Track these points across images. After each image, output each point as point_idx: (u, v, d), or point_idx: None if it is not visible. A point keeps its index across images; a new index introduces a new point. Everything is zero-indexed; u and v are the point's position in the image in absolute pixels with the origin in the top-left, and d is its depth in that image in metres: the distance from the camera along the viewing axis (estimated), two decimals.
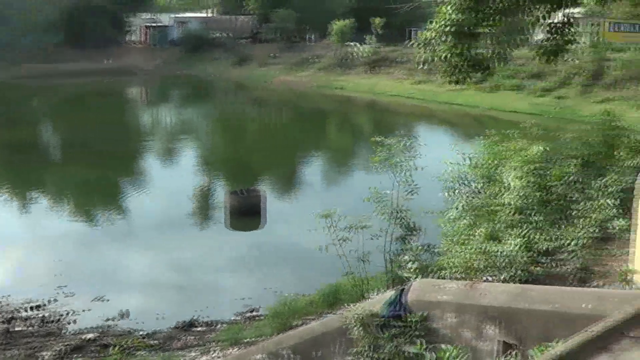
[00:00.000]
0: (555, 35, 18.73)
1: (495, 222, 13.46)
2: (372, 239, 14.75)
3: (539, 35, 19.88)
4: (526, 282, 11.30)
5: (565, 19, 19.11)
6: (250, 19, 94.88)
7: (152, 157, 41.07)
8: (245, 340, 15.21)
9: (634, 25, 72.06)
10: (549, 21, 18.66)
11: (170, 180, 34.34)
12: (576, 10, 32.27)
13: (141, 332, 16.81)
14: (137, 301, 18.66)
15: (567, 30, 18.81)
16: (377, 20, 77.20)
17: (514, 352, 9.52)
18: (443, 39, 16.96)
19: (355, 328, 10.92)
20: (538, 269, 11.77)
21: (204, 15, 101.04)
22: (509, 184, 14.10)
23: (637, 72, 56.55)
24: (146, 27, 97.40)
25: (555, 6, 18.08)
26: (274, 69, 78.90)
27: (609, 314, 8.77)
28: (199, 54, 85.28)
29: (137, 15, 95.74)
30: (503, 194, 13.96)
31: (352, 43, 76.57)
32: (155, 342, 16.27)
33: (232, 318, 17.64)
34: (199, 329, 17.09)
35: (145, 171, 36.63)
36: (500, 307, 10.12)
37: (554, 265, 11.90)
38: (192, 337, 16.47)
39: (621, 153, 16.22)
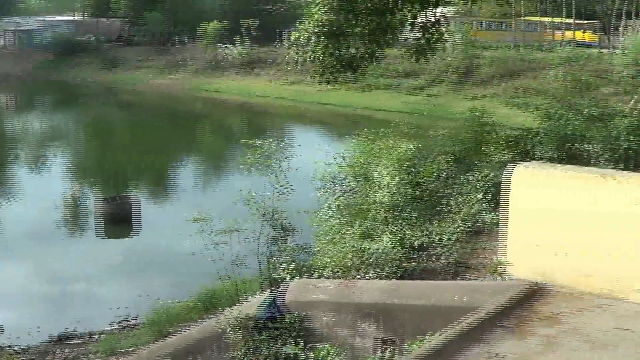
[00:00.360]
0: (425, 34, 18.98)
1: (370, 219, 13.53)
2: (246, 241, 14.62)
3: (414, 34, 20.12)
4: (401, 278, 11.38)
5: (435, 19, 19.39)
6: (121, 22, 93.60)
7: (20, 165, 39.91)
8: (122, 350, 14.89)
9: (501, 24, 74.11)
10: (420, 20, 18.90)
11: (40, 188, 33.34)
12: (448, 9, 32.88)
13: (15, 348, 16.24)
14: (10, 315, 17.96)
15: (435, 29, 19.07)
16: (249, 22, 77.18)
17: (391, 348, 9.56)
18: (314, 39, 16.97)
19: (232, 332, 10.82)
20: (413, 264, 11.87)
21: (73, 18, 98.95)
22: (382, 181, 14.19)
23: (506, 69, 58.09)
24: (13, 31, 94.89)
25: (424, 6, 18.31)
26: (146, 72, 78.09)
27: (482, 306, 8.90)
28: (68, 58, 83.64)
29: (3, 19, 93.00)
30: (376, 192, 14.04)
31: (224, 45, 76.35)
32: (31, 357, 15.77)
33: (109, 328, 17.24)
34: (75, 341, 16.63)
35: (13, 180, 35.59)
36: (376, 303, 10.17)
37: (428, 260, 12.02)
38: (68, 350, 16.01)
39: (491, 148, 16.53)
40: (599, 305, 9.04)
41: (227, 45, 75.96)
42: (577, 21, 74.74)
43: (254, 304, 11.47)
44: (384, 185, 13.98)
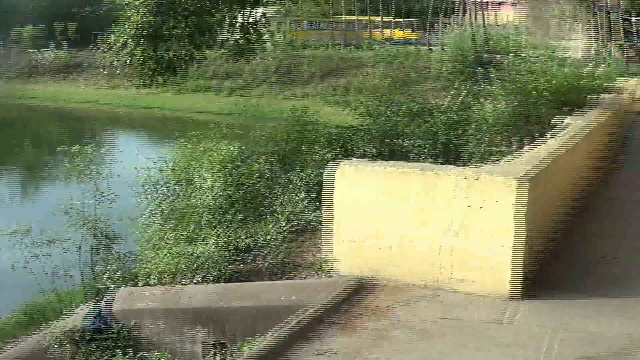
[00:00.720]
0: (245, 34, 18.99)
1: (194, 223, 13.36)
2: (68, 252, 14.15)
3: (234, 35, 20.08)
4: (229, 280, 11.28)
5: (254, 19, 19.42)
6: None
7: None
8: None
9: (321, 23, 75.19)
10: (239, 21, 18.89)
11: None
12: (267, 9, 32.98)
13: None
14: None
15: (255, 29, 19.10)
16: (65, 25, 75.26)
17: (221, 352, 9.48)
18: (132, 42, 16.69)
19: (58, 346, 10.45)
20: (240, 266, 11.78)
21: None
22: (205, 184, 14.04)
23: (327, 68, 58.94)
24: None
25: (243, 6, 18.30)
26: None
27: (311, 304, 8.93)
28: None
29: None
30: (200, 195, 13.88)
31: (39, 49, 74.12)
32: None
33: None
34: None
35: None
36: (204, 308, 10.06)
37: (255, 261, 11.96)
38: None
39: (313, 147, 16.67)
40: (425, 296, 9.24)
41: (43, 49, 73.73)
42: (396, 19, 76.73)
43: (79, 315, 11.13)
44: (207, 188, 13.84)
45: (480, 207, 9.15)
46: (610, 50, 47.77)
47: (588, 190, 15.15)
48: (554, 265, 10.63)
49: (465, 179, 9.25)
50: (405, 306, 8.95)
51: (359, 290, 9.43)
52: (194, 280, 11.32)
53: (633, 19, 50.42)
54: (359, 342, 8.00)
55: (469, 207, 9.20)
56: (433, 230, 9.43)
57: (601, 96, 21.52)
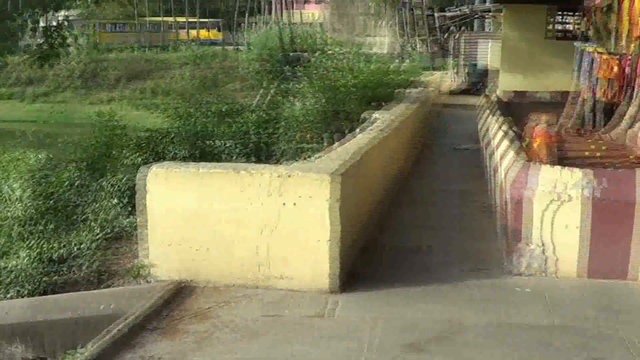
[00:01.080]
0: (48, 39, 18.58)
1: (3, 236, 12.91)
2: None
3: (37, 39, 19.59)
4: (44, 293, 10.98)
5: (58, 22, 19.03)
6: None
7: None
8: None
9: (125, 25, 74.12)
10: (42, 25, 18.46)
11: None
12: (70, 12, 32.26)
13: None
14: None
15: (58, 33, 18.73)
16: None
17: None
18: None
19: None
20: (56, 278, 11.48)
21: None
22: (15, 195, 13.60)
23: (133, 71, 58.11)
24: None
25: (45, 9, 17.89)
26: None
27: (130, 311, 8.81)
28: None
29: None
30: (10, 207, 13.44)
31: None
32: None
33: None
34: None
35: None
36: (21, 323, 9.75)
37: (69, 271, 11.69)
38: None
39: (123, 151, 16.41)
40: (246, 295, 9.29)
41: None
42: (201, 20, 76.53)
43: None
44: (16, 198, 13.41)
45: (295, 204, 9.27)
46: (415, 45, 49.43)
47: (401, 182, 15.63)
48: (371, 257, 10.91)
49: (278, 176, 9.35)
50: (226, 306, 8.97)
51: (179, 294, 9.38)
52: (8, 295, 10.96)
53: (436, 15, 52.31)
54: (182, 345, 7.97)
55: (283, 204, 9.30)
56: (249, 229, 9.47)
57: (407, 90, 22.24)
